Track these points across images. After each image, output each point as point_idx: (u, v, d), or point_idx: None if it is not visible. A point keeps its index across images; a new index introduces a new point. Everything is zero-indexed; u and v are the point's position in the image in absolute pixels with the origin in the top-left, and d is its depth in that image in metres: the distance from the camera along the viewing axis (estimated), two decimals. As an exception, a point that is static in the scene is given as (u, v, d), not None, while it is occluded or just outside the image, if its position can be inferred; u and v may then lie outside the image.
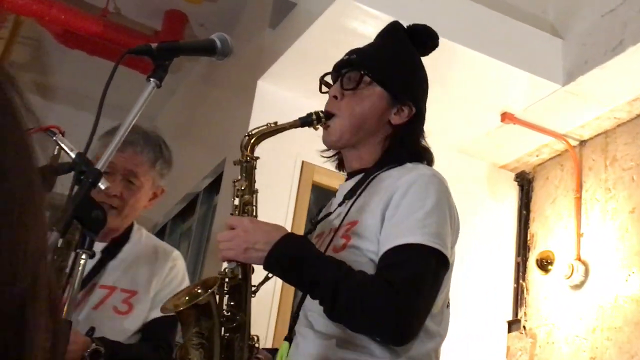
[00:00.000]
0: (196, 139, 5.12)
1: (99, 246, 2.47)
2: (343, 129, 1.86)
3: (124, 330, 2.40)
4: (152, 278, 2.49)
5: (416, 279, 1.62)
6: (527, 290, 4.19)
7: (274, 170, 3.87)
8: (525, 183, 4.47)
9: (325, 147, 1.97)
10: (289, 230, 1.74)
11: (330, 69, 1.99)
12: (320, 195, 4.10)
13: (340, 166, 2.02)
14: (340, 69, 1.93)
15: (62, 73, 5.55)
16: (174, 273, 2.54)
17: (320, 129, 1.90)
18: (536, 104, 3.84)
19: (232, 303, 1.74)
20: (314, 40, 3.59)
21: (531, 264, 4.21)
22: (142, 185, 2.46)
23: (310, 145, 3.94)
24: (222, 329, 1.73)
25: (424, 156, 1.92)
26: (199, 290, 1.74)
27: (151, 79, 1.61)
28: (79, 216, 1.42)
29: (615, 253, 3.66)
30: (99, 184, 1.51)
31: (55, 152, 1.80)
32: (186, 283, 2.58)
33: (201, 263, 4.39)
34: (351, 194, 1.84)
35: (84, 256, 1.41)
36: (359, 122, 1.86)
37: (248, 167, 1.84)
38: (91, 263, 2.42)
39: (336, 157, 2.01)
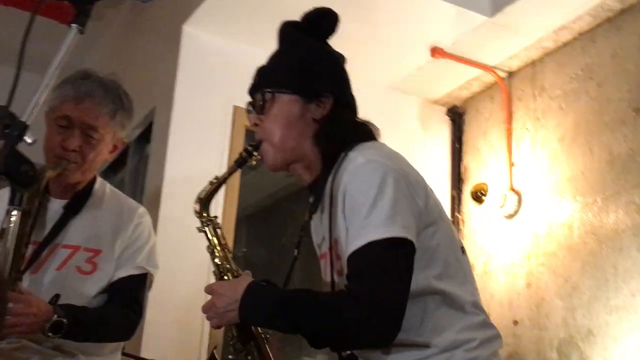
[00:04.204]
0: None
1: (60, 203, 2.40)
2: (273, 152, 1.86)
3: (89, 291, 2.33)
4: (116, 236, 2.42)
5: (371, 280, 1.58)
6: (463, 222, 4.26)
7: (205, 116, 3.81)
8: (457, 117, 4.51)
9: None
10: (249, 281, 1.74)
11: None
12: (254, 140, 4.04)
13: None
14: (252, 95, 1.92)
15: (-24, 26, 5.32)
16: (139, 231, 2.47)
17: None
18: (464, 37, 3.85)
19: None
20: (239, -19, 3.50)
21: (466, 196, 4.29)
22: (102, 139, 2.37)
23: (240, 88, 3.90)
24: None
25: (362, 135, 1.85)
26: None
27: (73, 25, 1.55)
28: (6, 171, 1.37)
29: (546, 181, 3.74)
30: (25, 137, 1.46)
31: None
32: (152, 241, 2.51)
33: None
34: (322, 210, 1.82)
35: (14, 212, 1.37)
36: (282, 139, 1.84)
37: (212, 229, 1.91)
38: (52, 221, 2.35)
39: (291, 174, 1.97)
